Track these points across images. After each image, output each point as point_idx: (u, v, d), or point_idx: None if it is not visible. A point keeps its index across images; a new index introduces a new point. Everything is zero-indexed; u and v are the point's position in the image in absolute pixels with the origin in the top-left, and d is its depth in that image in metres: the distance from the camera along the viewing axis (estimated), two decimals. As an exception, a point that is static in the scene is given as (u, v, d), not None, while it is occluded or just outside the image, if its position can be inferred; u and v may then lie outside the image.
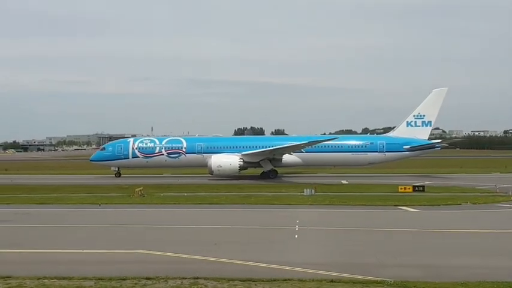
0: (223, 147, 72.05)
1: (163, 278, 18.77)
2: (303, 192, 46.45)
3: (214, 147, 72.20)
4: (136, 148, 73.04)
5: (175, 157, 72.47)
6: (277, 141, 75.22)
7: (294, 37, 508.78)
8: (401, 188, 49.13)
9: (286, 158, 71.24)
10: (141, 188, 47.79)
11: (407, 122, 74.09)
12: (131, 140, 75.81)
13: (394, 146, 72.48)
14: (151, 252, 23.40)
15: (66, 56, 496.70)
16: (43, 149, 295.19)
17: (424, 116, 73.52)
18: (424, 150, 75.72)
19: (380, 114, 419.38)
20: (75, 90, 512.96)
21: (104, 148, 77.80)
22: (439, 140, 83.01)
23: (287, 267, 20.40)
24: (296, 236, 27.23)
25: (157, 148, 72.90)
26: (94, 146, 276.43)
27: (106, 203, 41.54)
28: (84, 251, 24.11)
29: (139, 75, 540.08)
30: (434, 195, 45.49)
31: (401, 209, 37.84)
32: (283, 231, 28.98)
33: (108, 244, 25.64)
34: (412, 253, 23.47)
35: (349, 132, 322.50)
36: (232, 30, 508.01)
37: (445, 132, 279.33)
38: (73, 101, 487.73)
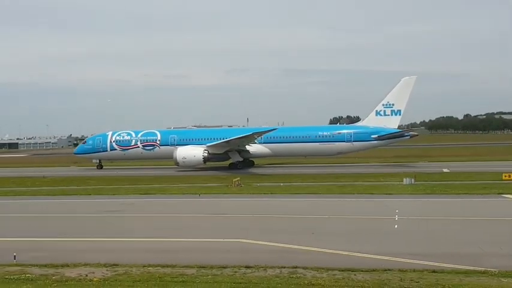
0: (196, 139, 73.16)
1: (262, 267, 19.03)
2: (402, 181, 45.59)
3: (186, 140, 73.53)
4: (114, 141, 75.40)
5: (150, 149, 74.47)
6: (243, 133, 73.01)
7: (390, 24, 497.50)
8: (505, 176, 47.12)
9: (255, 148, 71.93)
10: (238, 179, 48.54)
11: (376, 111, 72.78)
12: (110, 133, 77.37)
13: (362, 136, 71.69)
14: (251, 241, 23.75)
15: (166, 50, 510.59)
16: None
17: (393, 104, 72.13)
18: (393, 139, 74.22)
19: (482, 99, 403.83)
20: (175, 84, 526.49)
21: (85, 142, 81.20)
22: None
23: (387, 257, 20.16)
24: (396, 226, 26.80)
25: (133, 141, 75.11)
26: None
27: (205, 193, 42.52)
28: (186, 239, 24.85)
29: (236, 67, 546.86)
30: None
31: (506, 198, 36.33)
32: (383, 221, 28.61)
33: (209, 233, 26.27)
34: (518, 244, 22.54)
35: (450, 119, 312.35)
36: (329, 18, 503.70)
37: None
38: (173, 94, 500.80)
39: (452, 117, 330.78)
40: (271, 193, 41.92)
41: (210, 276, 18.09)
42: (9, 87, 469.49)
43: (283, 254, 21.22)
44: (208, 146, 69.78)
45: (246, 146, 71.24)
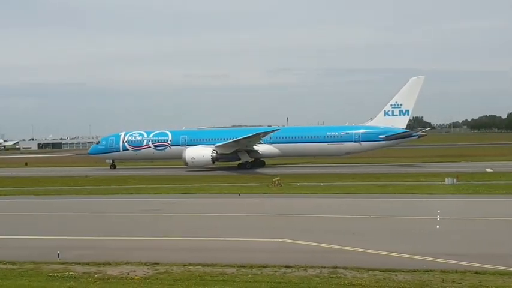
0: (206, 139, 73.42)
1: (302, 267, 18.99)
2: (444, 181, 44.93)
3: (197, 140, 74.10)
4: (126, 141, 76.39)
5: (161, 149, 75.41)
6: (249, 133, 72.52)
7: (429, 22, 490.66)
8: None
9: (265, 149, 72.40)
10: (279, 178, 48.52)
11: (384, 111, 72.52)
12: (122, 133, 78.22)
13: (370, 136, 71.58)
14: (291, 241, 23.71)
15: (206, 50, 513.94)
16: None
17: (401, 105, 71.83)
18: (401, 139, 73.87)
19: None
20: (215, 84, 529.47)
21: (99, 142, 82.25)
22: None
23: (428, 258, 19.87)
24: (438, 227, 26.42)
25: (145, 141, 76.03)
26: None
27: (245, 193, 42.63)
28: (227, 239, 24.94)
29: (276, 67, 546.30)
30: None
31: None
32: (424, 221, 28.25)
33: (249, 233, 26.31)
34: None
35: (493, 118, 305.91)
36: (369, 17, 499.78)
37: None
38: (213, 94, 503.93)
39: (495, 116, 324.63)
40: (312, 193, 41.78)
41: (250, 276, 18.13)
42: (54, 87, 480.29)
43: (323, 254, 21.13)
44: (217, 146, 70.30)
45: (255, 146, 71.82)
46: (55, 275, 18.83)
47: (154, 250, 22.98)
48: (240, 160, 72.57)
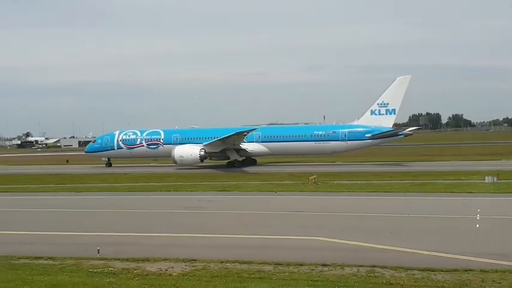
0: (197, 138, 74.46)
1: (339, 265, 18.91)
2: (484, 179, 44.20)
3: (188, 138, 75.69)
4: (120, 140, 78.71)
5: (154, 148, 77.60)
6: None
7: (467, 18, 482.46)
8: None
9: (254, 147, 74.08)
10: (315, 176, 48.38)
11: (371, 110, 73.10)
12: (117, 132, 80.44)
13: (356, 135, 72.50)
14: (328, 239, 23.65)
15: (243, 49, 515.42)
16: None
17: (387, 104, 72.35)
18: (387, 138, 74.72)
19: None
20: (252, 82, 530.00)
21: (95, 141, 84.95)
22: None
23: (468, 257, 19.61)
24: (477, 226, 26.02)
25: (138, 140, 78.22)
26: None
27: (282, 191, 42.63)
28: (263, 236, 24.99)
29: (313, 65, 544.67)
30: None
31: None
32: (464, 220, 27.85)
33: (285, 230, 26.29)
34: None
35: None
36: (407, 13, 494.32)
37: None
38: (249, 92, 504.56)
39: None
40: (349, 191, 41.58)
41: (286, 274, 18.14)
42: (92, 86, 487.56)
43: (361, 253, 21.03)
44: (205, 145, 71.64)
45: (244, 145, 73.35)
46: (95, 270, 19.15)
47: (192, 247, 23.16)
48: (229, 159, 74.35)
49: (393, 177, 51.34)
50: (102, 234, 26.58)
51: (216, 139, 71.14)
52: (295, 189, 43.70)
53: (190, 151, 70.79)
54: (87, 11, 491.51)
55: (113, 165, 79.84)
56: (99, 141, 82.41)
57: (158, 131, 79.11)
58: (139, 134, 79.09)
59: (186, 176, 59.99)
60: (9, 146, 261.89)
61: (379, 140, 73.68)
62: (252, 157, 76.68)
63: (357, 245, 22.52)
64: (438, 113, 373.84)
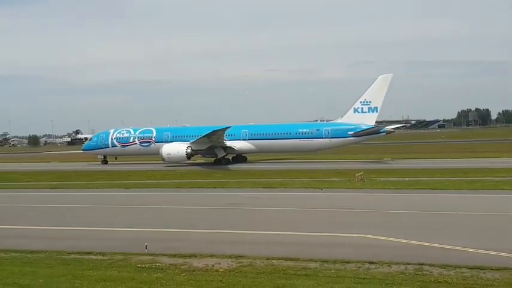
0: (187, 136, 75.91)
1: (386, 263, 18.73)
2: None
3: (179, 136, 77.72)
4: (114, 138, 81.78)
5: (146, 145, 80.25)
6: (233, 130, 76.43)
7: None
8: None
9: (241, 145, 76.46)
10: (362, 173, 47.98)
11: (354, 108, 74.43)
12: (112, 130, 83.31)
13: (339, 132, 73.85)
14: (374, 236, 23.43)
15: (289, 45, 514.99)
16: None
17: (370, 102, 73.76)
18: (369, 136, 76.00)
19: None
20: (298, 79, 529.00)
21: (91, 139, 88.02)
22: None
23: (519, 256, 19.15)
24: (529, 224, 25.39)
25: (132, 138, 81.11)
26: None
27: (328, 187, 42.42)
28: (309, 233, 24.90)
29: (360, 61, 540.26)
30: None
31: None
32: (515, 218, 27.20)
33: (331, 228, 26.16)
34: None
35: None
36: (454, 8, 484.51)
37: None
38: (294, 88, 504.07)
39: None
40: (396, 188, 41.10)
41: (333, 271, 18.06)
42: (140, 84, 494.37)
43: (408, 251, 20.75)
44: (191, 143, 73.30)
45: (232, 143, 75.69)
46: (143, 266, 19.44)
47: (238, 243, 23.24)
48: (216, 156, 76.25)
49: (443, 174, 50.49)
50: (149, 230, 26.97)
51: (199, 137, 73.17)
52: (341, 186, 43.41)
53: (177, 149, 73.02)
54: (136, 11, 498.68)
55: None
56: (95, 139, 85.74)
57: (150, 129, 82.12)
58: (132, 132, 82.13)
59: (232, 173, 60.32)
60: (60, 143, 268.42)
61: (362, 137, 75.48)
62: (243, 154, 79.29)
63: (404, 242, 22.23)
64: (488, 109, 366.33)
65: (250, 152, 78.83)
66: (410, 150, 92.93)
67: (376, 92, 73.76)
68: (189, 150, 72.55)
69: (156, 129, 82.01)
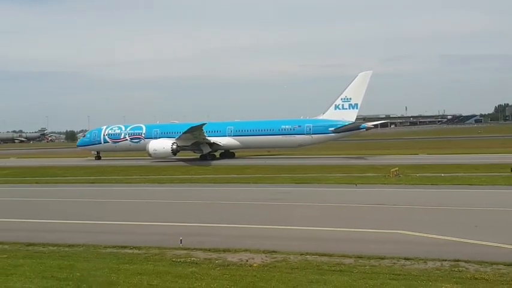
0: (176, 132, 76.34)
1: (422, 259, 18.56)
2: None
3: (167, 133, 79.31)
4: (106, 134, 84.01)
5: (136, 142, 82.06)
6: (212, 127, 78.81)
7: None
8: None
9: (226, 141, 78.46)
10: (397, 169, 47.54)
11: (335, 105, 75.71)
12: (104, 127, 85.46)
13: (320, 128, 75.00)
14: (409, 232, 23.22)
15: (322, 40, 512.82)
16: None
17: (350, 98, 74.86)
18: (349, 132, 77.19)
19: None
20: (330, 74, 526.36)
21: (85, 135, 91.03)
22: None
23: (558, 254, 18.79)
24: None
25: (123, 134, 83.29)
26: None
27: (362, 183, 42.17)
28: (344, 229, 24.79)
29: (392, 55, 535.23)
30: None
31: None
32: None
33: (366, 223, 25.99)
34: None
35: None
36: (489, 2, 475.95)
37: None
38: (328, 83, 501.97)
39: None
40: (432, 184, 40.63)
41: (368, 267, 17.97)
42: (176, 80, 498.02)
43: (444, 247, 20.53)
44: (176, 139, 74.49)
45: (218, 139, 77.79)
46: (178, 260, 19.63)
47: (272, 238, 23.27)
48: (202, 152, 77.88)
49: (479, 169, 49.73)
50: (184, 224, 27.15)
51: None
52: (376, 182, 43.13)
53: (163, 145, 74.52)
54: (172, 8, 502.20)
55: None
56: (88, 135, 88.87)
57: (140, 126, 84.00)
58: (123, 128, 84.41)
59: (266, 168, 60.30)
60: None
61: (342, 133, 76.51)
62: (230, 150, 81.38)
63: (440, 238, 22.01)
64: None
65: (235, 148, 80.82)
66: (446, 145, 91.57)
67: (357, 89, 75.06)
68: (174, 146, 73.95)
69: (146, 126, 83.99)
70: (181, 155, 79.19)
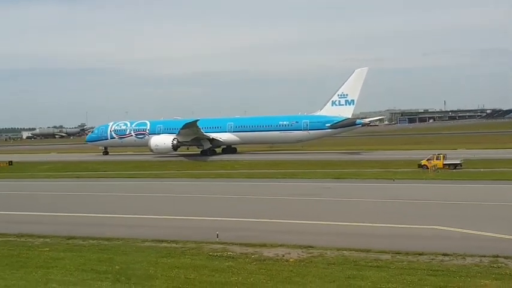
0: (178, 129, 75.78)
1: (461, 255, 18.32)
2: None
3: (171, 129, 79.27)
4: (113, 130, 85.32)
5: (141, 137, 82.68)
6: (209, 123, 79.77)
7: None
8: None
9: (226, 137, 79.15)
10: (436, 164, 46.91)
11: (332, 101, 76.25)
12: (111, 123, 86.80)
13: (317, 124, 75.48)
14: (447, 228, 22.93)
15: (362, 35, 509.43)
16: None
17: (347, 95, 75.46)
18: (346, 128, 77.60)
19: None
20: (371, 67, 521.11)
21: (92, 131, 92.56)
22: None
23: None
24: None
25: (128, 130, 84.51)
26: (386, 122, 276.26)
27: (400, 178, 41.72)
28: (381, 225, 24.61)
29: (432, 50, 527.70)
30: None
31: None
32: None
33: (403, 219, 25.76)
34: None
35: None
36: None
37: None
38: (369, 77, 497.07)
39: None
40: (471, 179, 40.05)
41: (405, 263, 17.83)
42: (217, 76, 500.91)
43: (482, 243, 20.25)
44: (177, 135, 75.16)
45: (218, 135, 78.49)
46: (215, 254, 19.76)
47: (308, 234, 23.23)
48: (203, 147, 78.63)
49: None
50: (220, 219, 27.30)
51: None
52: (414, 177, 42.67)
53: (164, 140, 75.64)
54: (214, 4, 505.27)
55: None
56: (96, 131, 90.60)
57: (145, 122, 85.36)
58: (129, 124, 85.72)
59: (301, 163, 60.06)
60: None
61: (339, 129, 77.06)
62: (231, 146, 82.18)
63: (478, 234, 21.71)
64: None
65: (235, 143, 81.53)
66: (485, 140, 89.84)
67: (353, 86, 75.30)
68: (175, 142, 74.78)
69: (150, 122, 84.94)
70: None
